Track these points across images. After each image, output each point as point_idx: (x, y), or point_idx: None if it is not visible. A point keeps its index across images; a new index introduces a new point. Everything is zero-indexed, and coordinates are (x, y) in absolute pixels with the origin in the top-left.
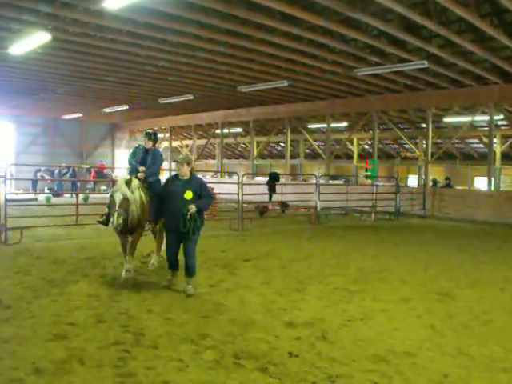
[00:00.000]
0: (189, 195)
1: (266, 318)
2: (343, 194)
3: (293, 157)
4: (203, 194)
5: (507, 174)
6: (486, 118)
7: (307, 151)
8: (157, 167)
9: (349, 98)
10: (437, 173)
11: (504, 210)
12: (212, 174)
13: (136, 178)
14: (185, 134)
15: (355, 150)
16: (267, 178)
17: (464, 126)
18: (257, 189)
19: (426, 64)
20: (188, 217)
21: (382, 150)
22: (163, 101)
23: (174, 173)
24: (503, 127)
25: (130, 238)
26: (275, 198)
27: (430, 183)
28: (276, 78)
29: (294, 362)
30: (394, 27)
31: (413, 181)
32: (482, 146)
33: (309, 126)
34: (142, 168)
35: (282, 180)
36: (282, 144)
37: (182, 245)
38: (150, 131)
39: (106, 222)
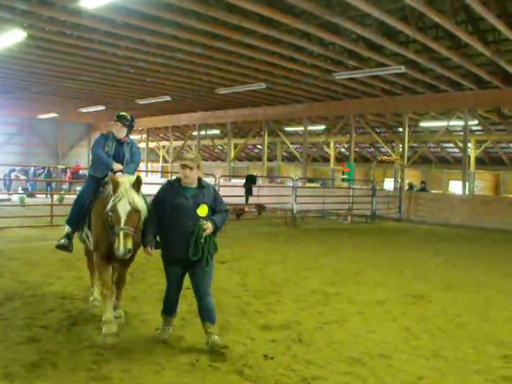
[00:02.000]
0: (203, 210)
1: (242, 320)
2: (320, 196)
3: (270, 159)
4: (218, 207)
5: (481, 178)
6: (461, 123)
7: (284, 154)
8: (136, 166)
9: (326, 102)
10: (413, 176)
11: (478, 213)
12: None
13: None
14: (162, 136)
15: (332, 153)
16: (244, 181)
17: (440, 131)
18: (233, 191)
19: (403, 69)
20: (203, 240)
21: (358, 153)
22: (141, 102)
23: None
24: (477, 132)
25: (115, 269)
26: (252, 200)
27: (406, 187)
28: (254, 80)
29: (269, 364)
30: (372, 32)
31: (389, 184)
32: (456, 150)
33: (286, 129)
34: (117, 165)
35: (259, 182)
36: (259, 146)
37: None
38: (125, 113)
39: (68, 246)
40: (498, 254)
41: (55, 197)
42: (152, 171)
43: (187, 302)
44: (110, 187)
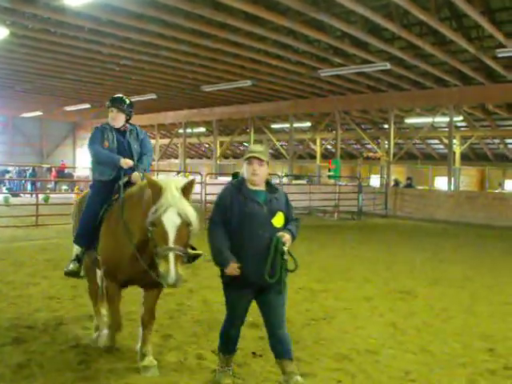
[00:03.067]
0: (280, 220)
1: None
2: (306, 193)
3: None
4: (290, 216)
5: (466, 174)
6: (446, 119)
7: (270, 151)
8: (151, 158)
9: (312, 99)
10: (398, 173)
11: (463, 209)
12: (175, 173)
13: (125, 181)
14: (148, 134)
15: (318, 149)
16: (230, 178)
17: (425, 127)
18: (220, 189)
19: (388, 66)
20: (285, 256)
21: (344, 150)
22: None
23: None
24: (462, 128)
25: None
26: None
27: (392, 183)
28: (240, 77)
29: (257, 361)
30: (357, 29)
31: (375, 181)
32: (442, 146)
33: (272, 126)
34: (126, 161)
35: None
36: (245, 144)
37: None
38: (120, 95)
39: (78, 272)
40: (484, 249)
41: (40, 196)
42: None
43: (175, 301)
44: (146, 193)
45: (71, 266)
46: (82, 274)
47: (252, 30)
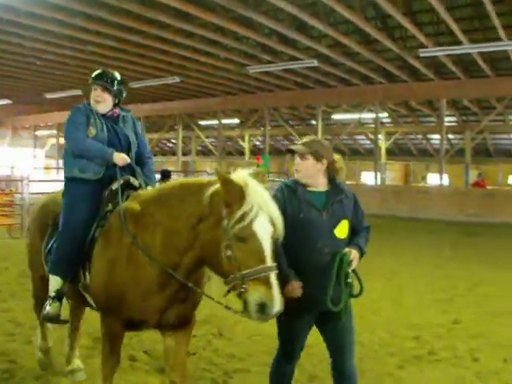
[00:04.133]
0: (344, 230)
1: None
2: None
3: (185, 154)
4: (359, 224)
5: (392, 169)
6: (372, 115)
7: (199, 148)
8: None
9: (240, 95)
10: None
11: (390, 203)
12: None
13: (126, 183)
14: None
15: (247, 146)
16: (159, 176)
17: (352, 123)
18: None
19: (315, 63)
20: (349, 279)
21: (273, 146)
22: (50, 96)
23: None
24: (388, 124)
25: (172, 341)
26: None
27: None
28: (168, 74)
29: (191, 360)
30: (285, 26)
31: None
32: (368, 142)
33: (201, 123)
34: (120, 156)
35: (174, 177)
36: (173, 141)
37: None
38: (109, 70)
39: (59, 315)
40: (409, 242)
41: None
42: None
43: None
44: (190, 196)
45: (48, 309)
46: (65, 319)
47: (181, 27)
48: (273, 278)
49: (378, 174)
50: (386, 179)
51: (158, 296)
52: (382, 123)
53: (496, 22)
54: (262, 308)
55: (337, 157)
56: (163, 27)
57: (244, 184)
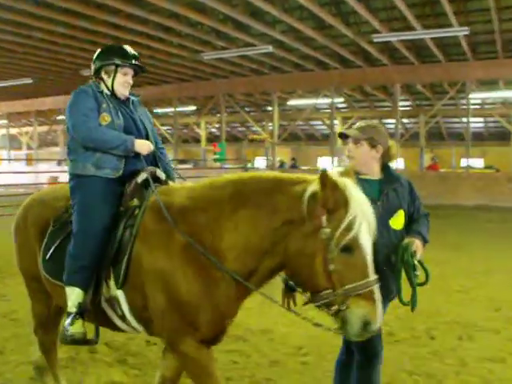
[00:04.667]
0: (400, 220)
1: None
2: (192, 178)
3: None
4: (417, 212)
5: None
6: (328, 100)
7: None
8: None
9: (195, 82)
10: (283, 154)
11: None
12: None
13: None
14: (24, 121)
15: (203, 133)
16: None
17: (307, 109)
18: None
19: (270, 49)
20: (415, 272)
21: (229, 132)
22: None
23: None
24: (343, 109)
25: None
26: None
27: (277, 164)
28: None
29: (152, 349)
30: (240, 12)
31: (260, 162)
32: (324, 127)
33: (156, 111)
34: (144, 143)
35: None
36: None
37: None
38: (129, 49)
39: (85, 334)
40: None
41: None
42: (15, 159)
43: None
44: (281, 196)
45: (73, 328)
46: (94, 339)
47: (133, 12)
48: (377, 292)
49: (336, 159)
50: (343, 164)
51: (232, 305)
52: (338, 108)
53: (447, 8)
54: (365, 325)
55: (391, 143)
56: (114, 12)
57: (344, 186)
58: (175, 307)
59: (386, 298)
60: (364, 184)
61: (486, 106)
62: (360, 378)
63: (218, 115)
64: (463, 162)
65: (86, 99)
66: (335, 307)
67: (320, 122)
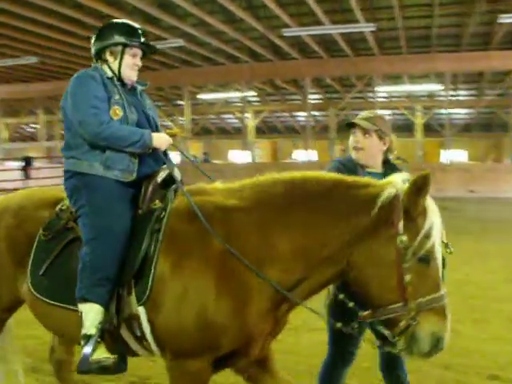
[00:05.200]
0: None
1: None
2: None
3: (48, 139)
4: None
5: (261, 146)
6: (239, 94)
7: (63, 132)
8: None
9: None
10: (195, 148)
11: None
12: None
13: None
14: None
15: None
16: (23, 163)
17: (218, 103)
18: (8, 175)
19: (181, 42)
20: None
21: None
22: None
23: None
24: (255, 103)
25: None
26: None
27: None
28: (24, 53)
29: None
30: (148, 4)
31: (173, 157)
32: (236, 120)
33: None
34: (162, 136)
35: (36, 164)
36: (33, 125)
37: None
38: (136, 25)
39: (111, 360)
40: None
41: None
42: None
43: None
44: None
45: (99, 354)
46: (122, 366)
47: (37, 3)
48: (448, 308)
49: (249, 152)
50: (256, 157)
51: (263, 321)
52: (249, 102)
53: (354, 4)
54: (436, 343)
55: (393, 136)
56: (18, 3)
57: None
58: (203, 326)
59: None
60: (370, 177)
61: (392, 99)
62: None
63: None
64: None
65: (94, 87)
66: (403, 323)
67: (232, 116)
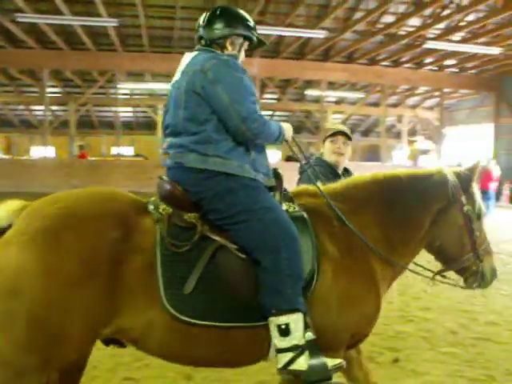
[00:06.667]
0: None
1: None
2: None
3: None
4: None
5: None
6: None
7: None
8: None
9: None
10: None
11: None
12: None
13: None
14: None
15: None
16: None
17: None
18: None
19: None
20: None
21: None
22: None
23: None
24: None
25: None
26: None
27: None
28: None
29: None
30: None
31: None
32: None
33: None
34: (289, 126)
35: None
36: None
37: None
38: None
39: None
40: None
41: None
42: None
43: None
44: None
45: (314, 362)
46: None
47: None
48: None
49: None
50: None
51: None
52: None
53: None
54: (495, 273)
55: None
56: None
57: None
58: (361, 322)
59: None
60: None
61: (135, 97)
62: None
63: None
64: (114, 150)
65: (250, 82)
66: (474, 267)
67: None
